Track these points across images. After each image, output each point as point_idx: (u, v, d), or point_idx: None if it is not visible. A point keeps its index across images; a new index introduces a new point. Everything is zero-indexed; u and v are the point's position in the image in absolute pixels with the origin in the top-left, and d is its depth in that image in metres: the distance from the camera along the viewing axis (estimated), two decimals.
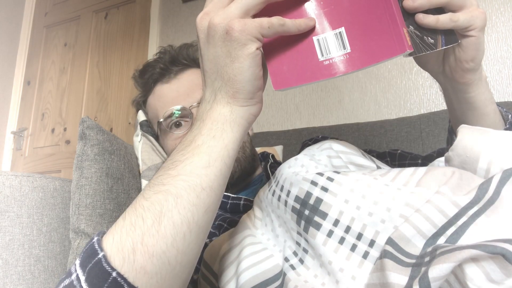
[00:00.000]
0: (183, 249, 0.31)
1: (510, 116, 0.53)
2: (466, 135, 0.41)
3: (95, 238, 0.31)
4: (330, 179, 0.40)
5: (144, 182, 0.73)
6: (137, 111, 0.82)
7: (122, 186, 0.72)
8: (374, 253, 0.35)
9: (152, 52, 1.81)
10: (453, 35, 0.41)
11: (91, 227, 0.66)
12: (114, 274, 0.28)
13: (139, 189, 0.76)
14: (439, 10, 0.40)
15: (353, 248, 0.36)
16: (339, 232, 0.37)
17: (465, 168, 0.41)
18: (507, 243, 0.27)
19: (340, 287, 0.35)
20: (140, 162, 0.76)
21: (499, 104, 0.53)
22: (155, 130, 0.75)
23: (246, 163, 0.67)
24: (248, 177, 0.70)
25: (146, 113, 0.79)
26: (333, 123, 1.38)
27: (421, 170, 0.39)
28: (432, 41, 0.39)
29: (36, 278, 0.68)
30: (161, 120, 0.69)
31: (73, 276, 0.29)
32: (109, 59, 2.03)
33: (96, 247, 0.29)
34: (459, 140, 0.41)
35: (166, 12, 1.84)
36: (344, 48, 0.34)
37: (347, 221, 0.37)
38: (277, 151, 1.08)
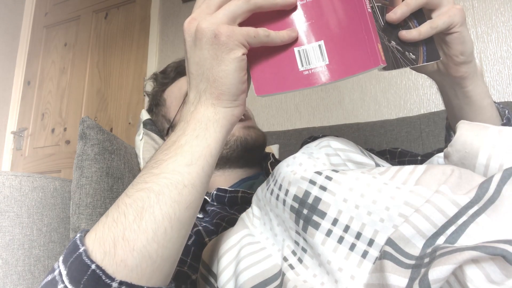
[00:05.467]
0: (164, 243, 0.31)
1: (507, 111, 0.53)
2: (465, 131, 0.41)
3: (78, 235, 0.32)
4: (328, 178, 0.40)
5: None
6: (148, 105, 0.83)
7: (122, 186, 0.72)
8: (373, 252, 0.35)
9: (152, 52, 1.81)
10: (435, 51, 0.43)
11: (92, 227, 0.66)
12: (93, 266, 0.29)
13: None
14: (418, 17, 0.42)
15: (352, 247, 0.36)
16: (338, 231, 0.37)
17: (464, 164, 0.40)
18: (507, 244, 0.27)
19: (339, 286, 0.35)
20: (141, 160, 0.77)
21: (498, 103, 0.54)
22: (173, 113, 0.76)
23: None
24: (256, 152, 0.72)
25: (158, 104, 0.81)
26: (333, 123, 1.38)
27: (420, 168, 0.39)
28: (413, 56, 0.41)
29: (36, 278, 0.68)
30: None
31: (56, 272, 0.30)
32: (109, 59, 2.03)
33: (78, 242, 0.31)
34: (458, 136, 0.41)
35: (166, 12, 1.84)
36: (323, 60, 0.36)
37: (346, 220, 0.37)
38: (273, 150, 1.08)
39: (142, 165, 0.76)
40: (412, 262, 0.31)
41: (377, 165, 0.49)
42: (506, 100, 1.17)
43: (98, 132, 0.71)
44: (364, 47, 0.35)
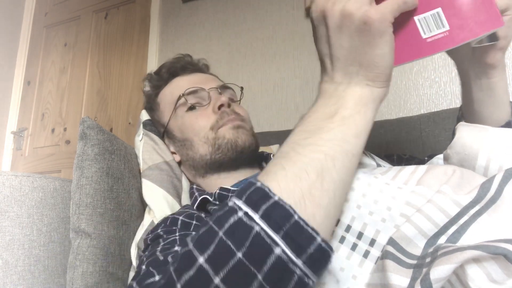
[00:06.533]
0: (337, 204, 0.33)
1: None
2: (465, 133, 0.41)
3: (258, 183, 0.31)
4: None
5: (145, 182, 0.73)
6: (145, 106, 0.83)
7: (123, 186, 0.72)
8: (375, 252, 0.35)
9: (152, 52, 1.81)
10: (494, 34, 0.45)
11: (92, 227, 0.66)
12: (296, 216, 0.29)
13: (139, 189, 0.75)
14: None
15: (354, 247, 0.36)
16: (339, 231, 0.37)
17: (464, 166, 0.41)
18: (508, 243, 0.26)
19: (341, 286, 0.35)
20: (140, 161, 0.76)
21: None
22: (166, 118, 0.76)
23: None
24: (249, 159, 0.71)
25: (153, 108, 0.80)
26: None
27: (422, 168, 0.39)
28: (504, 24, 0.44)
29: (36, 278, 0.68)
30: (184, 93, 0.72)
31: (241, 214, 0.30)
32: (109, 59, 2.03)
33: (267, 190, 0.30)
34: (457, 138, 0.41)
35: (166, 12, 1.84)
36: (443, 26, 0.38)
37: (348, 220, 0.37)
38: (274, 150, 1.08)
39: (142, 165, 0.76)
40: (414, 261, 0.31)
41: (378, 165, 0.49)
42: None
43: (99, 132, 0.71)
44: (484, 9, 0.37)
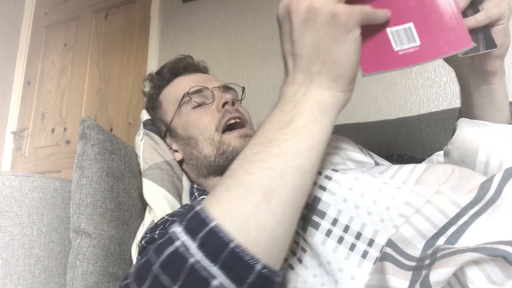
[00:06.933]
0: (288, 226, 0.31)
1: None
2: (465, 128, 0.41)
3: (198, 207, 0.30)
4: (328, 177, 0.39)
5: (145, 181, 0.73)
6: (146, 106, 0.83)
7: (123, 186, 0.72)
8: (374, 252, 0.35)
9: (152, 52, 1.81)
10: (491, 40, 0.45)
11: (92, 226, 0.66)
12: (232, 244, 0.27)
13: (139, 188, 0.75)
14: (473, 8, 0.45)
15: (352, 247, 0.36)
16: (338, 231, 0.37)
17: (464, 162, 0.40)
18: (508, 245, 0.26)
19: (340, 287, 0.35)
20: (141, 161, 0.76)
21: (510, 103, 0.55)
22: (169, 116, 0.77)
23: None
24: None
25: (154, 107, 0.81)
26: None
27: (420, 167, 0.39)
28: (475, 44, 0.43)
29: (36, 278, 0.68)
30: (188, 91, 0.72)
31: (178, 243, 0.28)
32: (109, 59, 2.03)
33: (205, 215, 0.29)
34: (458, 133, 0.41)
35: (166, 12, 1.84)
36: (414, 41, 0.38)
37: (346, 220, 0.37)
38: None
39: (142, 165, 0.76)
40: (413, 263, 0.31)
41: (377, 163, 0.49)
42: None
43: (99, 132, 0.71)
44: (454, 29, 0.38)
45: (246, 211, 0.29)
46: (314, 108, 0.34)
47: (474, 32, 0.44)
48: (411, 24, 0.38)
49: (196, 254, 0.27)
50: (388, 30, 0.39)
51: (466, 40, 0.38)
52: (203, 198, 0.31)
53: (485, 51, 0.45)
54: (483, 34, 0.45)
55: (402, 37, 0.39)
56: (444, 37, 0.38)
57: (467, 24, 0.42)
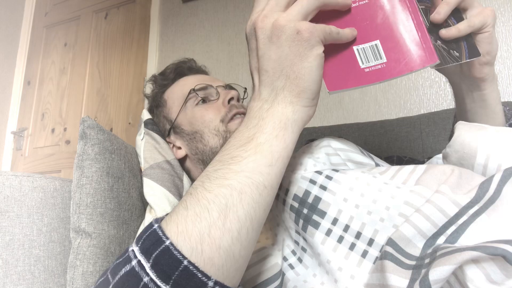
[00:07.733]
0: (245, 243, 0.31)
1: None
2: (464, 131, 0.42)
3: (156, 225, 0.30)
4: (328, 177, 0.40)
5: (146, 180, 0.73)
6: (148, 106, 0.85)
7: (123, 185, 0.72)
8: (373, 252, 0.35)
9: (152, 52, 1.81)
10: (475, 49, 0.45)
11: (92, 226, 0.66)
12: (185, 262, 0.28)
13: (139, 188, 0.76)
14: (456, 17, 0.45)
15: (352, 247, 0.36)
16: (337, 231, 0.37)
17: (462, 164, 0.41)
18: (507, 244, 0.27)
19: (339, 286, 0.35)
20: (142, 160, 0.76)
21: (505, 105, 0.55)
22: (174, 113, 0.78)
23: None
24: None
25: (158, 106, 0.82)
26: (333, 123, 1.38)
27: (421, 168, 0.39)
28: (457, 54, 0.44)
29: (36, 278, 0.68)
30: (195, 87, 0.74)
31: (134, 263, 0.29)
32: (109, 59, 2.03)
33: (160, 234, 0.29)
34: (456, 136, 0.42)
35: (166, 12, 1.84)
36: (381, 58, 0.38)
37: (346, 220, 0.37)
38: None
39: (143, 164, 0.76)
40: (413, 262, 0.31)
41: (377, 165, 0.49)
42: (506, 100, 1.17)
43: (99, 132, 0.71)
44: (420, 45, 0.38)
45: (201, 230, 0.29)
46: (276, 124, 0.35)
47: (456, 41, 0.44)
48: (377, 42, 0.38)
49: (151, 274, 0.28)
50: (355, 48, 0.39)
51: (432, 56, 0.37)
52: (156, 220, 0.32)
53: (468, 60, 0.44)
54: (466, 43, 0.44)
55: (369, 54, 0.39)
56: (410, 54, 0.38)
57: (448, 34, 0.42)
